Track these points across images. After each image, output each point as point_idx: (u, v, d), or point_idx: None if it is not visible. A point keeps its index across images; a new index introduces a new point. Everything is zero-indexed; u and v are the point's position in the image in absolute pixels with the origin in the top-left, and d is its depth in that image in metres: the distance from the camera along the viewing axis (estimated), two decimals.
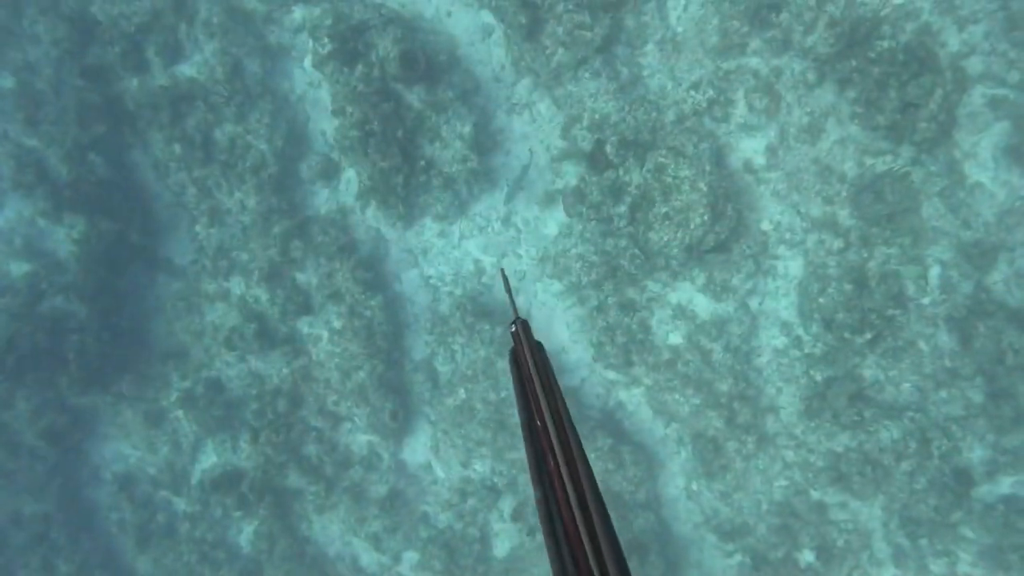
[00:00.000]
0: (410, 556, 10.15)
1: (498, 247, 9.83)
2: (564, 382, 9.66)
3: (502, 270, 2.36)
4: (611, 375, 9.43)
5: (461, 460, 9.76)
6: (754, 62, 8.22)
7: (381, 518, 9.98)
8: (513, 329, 1.47)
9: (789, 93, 8.13)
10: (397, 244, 10.04)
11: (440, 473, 10.00)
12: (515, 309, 1.62)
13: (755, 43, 8.10)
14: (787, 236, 8.43)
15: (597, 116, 8.50)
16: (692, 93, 8.33)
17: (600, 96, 8.49)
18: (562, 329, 9.66)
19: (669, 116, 8.40)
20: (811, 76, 7.97)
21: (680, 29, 8.59)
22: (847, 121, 7.98)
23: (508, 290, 1.70)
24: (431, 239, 9.97)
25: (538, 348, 1.43)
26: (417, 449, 10.10)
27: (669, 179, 7.98)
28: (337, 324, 9.65)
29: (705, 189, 7.82)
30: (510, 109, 9.53)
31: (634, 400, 9.53)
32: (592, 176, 8.56)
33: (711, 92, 8.25)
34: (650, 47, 8.70)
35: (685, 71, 8.46)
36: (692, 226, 7.91)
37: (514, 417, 9.25)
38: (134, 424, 10.47)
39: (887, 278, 8.03)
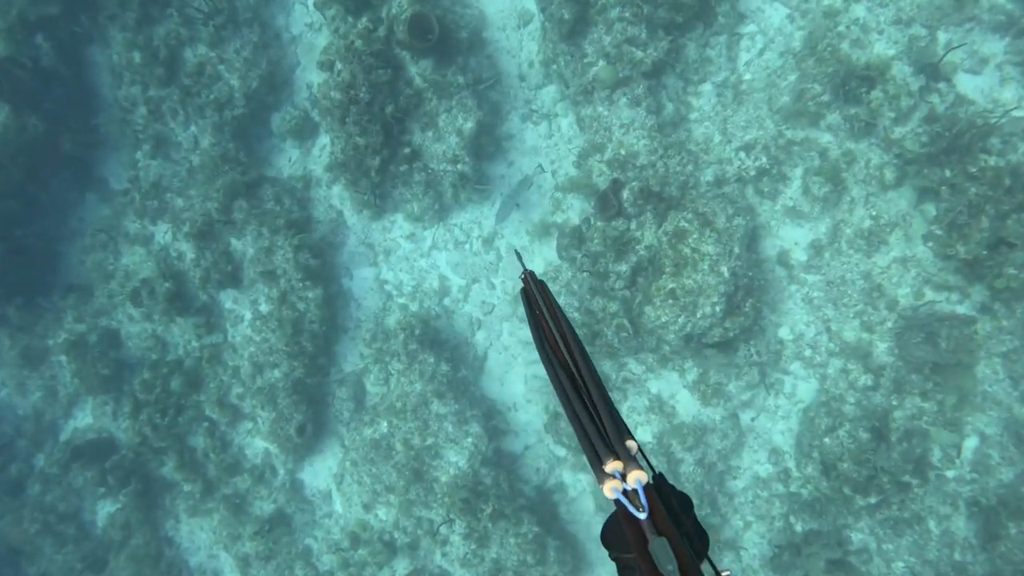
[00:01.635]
0: None
1: (471, 269, 8.32)
2: (505, 443, 8.16)
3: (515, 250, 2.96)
4: (560, 451, 7.92)
5: (364, 501, 8.25)
6: (825, 139, 6.71)
7: (258, 540, 8.46)
8: (523, 275, 1.80)
9: (857, 187, 6.62)
10: (358, 234, 8.52)
11: (338, 508, 8.49)
12: (522, 263, 2.06)
13: (833, 117, 6.59)
14: (807, 353, 6.92)
15: (623, 152, 6.98)
16: (742, 155, 6.81)
17: (633, 129, 6.98)
18: (518, 382, 8.16)
19: (707, 175, 6.89)
20: (888, 174, 6.46)
21: (748, 76, 7.08)
22: (917, 240, 6.47)
23: (518, 256, 2.16)
24: (398, 239, 8.45)
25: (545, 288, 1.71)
26: (319, 473, 8.59)
27: (687, 250, 6.47)
28: (264, 308, 8.13)
29: (726, 274, 6.31)
30: (527, 115, 8.01)
31: (578, 486, 8.03)
32: (598, 220, 7.05)
33: (764, 160, 6.74)
34: (707, 87, 7.19)
35: (740, 127, 6.95)
36: (699, 314, 6.40)
37: (432, 471, 7.75)
38: (9, 356, 8.94)
39: (913, 436, 6.53)
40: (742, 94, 7.02)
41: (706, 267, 6.33)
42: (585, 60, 7.08)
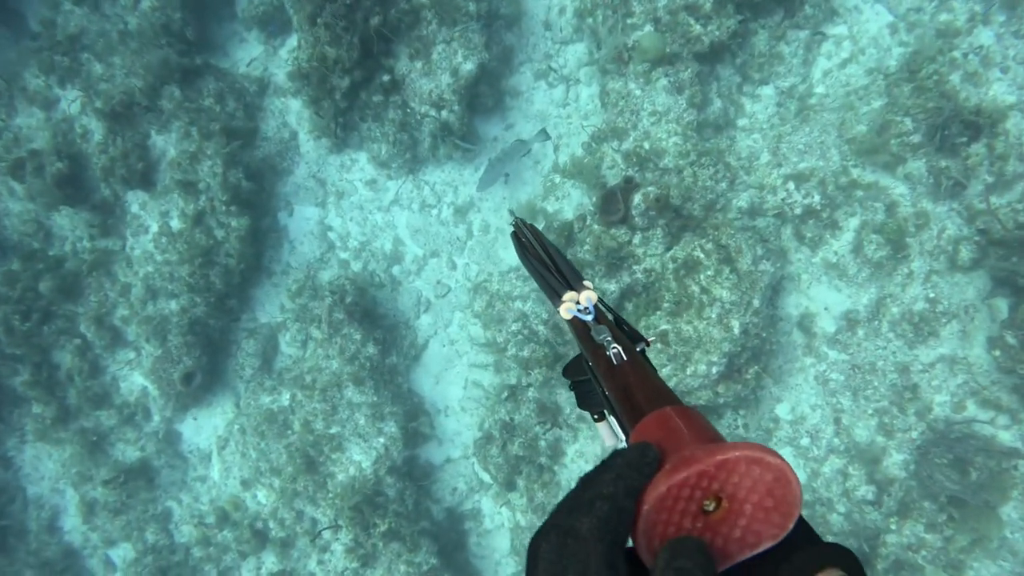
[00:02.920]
0: (122, 551, 7.31)
1: (434, 240, 6.87)
2: (424, 452, 6.81)
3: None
4: (486, 477, 6.60)
5: (244, 476, 6.89)
6: (899, 190, 5.32)
7: (110, 488, 7.09)
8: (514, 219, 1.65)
9: (920, 259, 5.27)
10: (310, 165, 7.01)
11: (214, 475, 7.11)
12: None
13: (915, 165, 5.20)
14: (803, 441, 5.63)
15: (647, 145, 5.54)
16: (791, 185, 5.41)
17: (666, 120, 5.52)
18: (456, 384, 6.79)
19: (742, 199, 5.48)
20: (964, 252, 5.11)
21: (821, 89, 5.64)
22: (977, 340, 5.16)
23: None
24: (356, 183, 6.96)
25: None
26: (202, 429, 7.19)
27: (696, 288, 5.09)
28: (175, 224, 6.63)
29: (736, 331, 4.95)
30: (542, 72, 6.51)
31: (498, 519, 6.74)
32: (596, 222, 5.63)
33: (816, 198, 5.34)
34: (768, 91, 5.74)
35: (797, 150, 5.53)
36: (690, 371, 5.04)
37: (328, 465, 6.40)
38: None
39: (902, 569, 5.31)
40: (809, 109, 5.58)
41: (714, 315, 4.96)
42: (630, 20, 5.58)
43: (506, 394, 6.26)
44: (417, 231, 6.90)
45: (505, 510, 6.59)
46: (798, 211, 5.38)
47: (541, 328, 6.01)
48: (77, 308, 6.97)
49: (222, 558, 6.94)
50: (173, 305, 6.61)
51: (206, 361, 6.83)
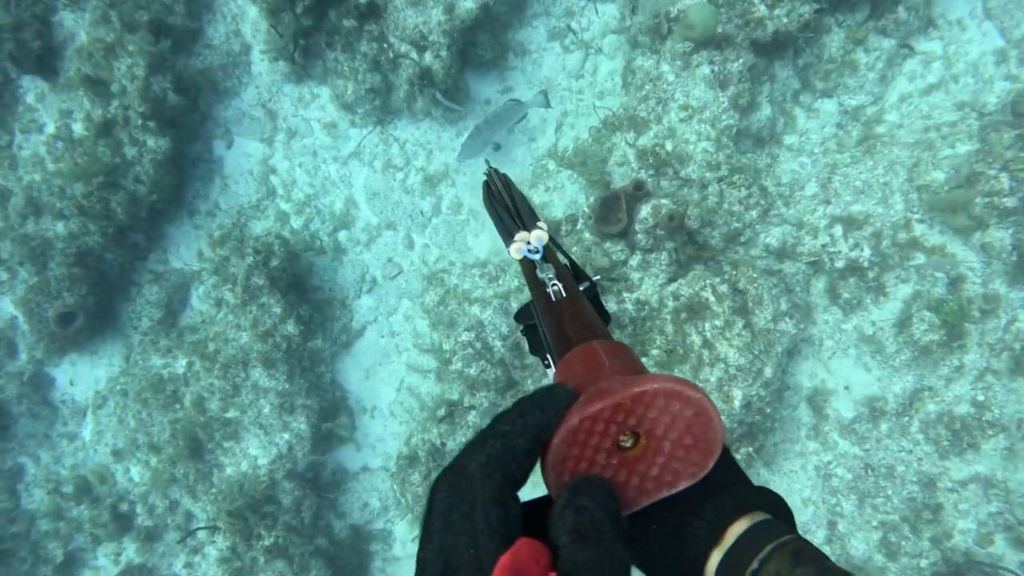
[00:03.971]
0: None
1: (394, 209, 5.69)
2: (337, 456, 5.70)
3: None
4: (408, 498, 5.49)
5: (118, 446, 5.74)
6: (970, 263, 4.22)
7: None
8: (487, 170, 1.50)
9: (977, 351, 4.20)
10: (260, 90, 5.75)
11: (84, 436, 5.94)
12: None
13: (999, 235, 4.09)
14: None
15: (669, 146, 4.38)
16: (836, 230, 4.28)
17: (699, 118, 4.35)
18: (390, 384, 5.67)
19: (772, 235, 4.36)
20: None
21: (894, 117, 4.50)
22: (1023, 463, 4.14)
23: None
24: (313, 123, 5.73)
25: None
26: (82, 379, 5.99)
27: (696, 339, 3.98)
28: (78, 129, 5.35)
29: (737, 403, 3.86)
30: (559, 32, 5.29)
31: (410, 549, 5.69)
32: (588, 230, 4.49)
33: (866, 252, 4.23)
34: (829, 106, 4.59)
35: (853, 187, 4.39)
36: None
37: (217, 455, 5.29)
38: None
39: None
40: (875, 139, 4.44)
41: (713, 379, 3.86)
42: None
43: (443, 411, 5.15)
44: (375, 195, 5.70)
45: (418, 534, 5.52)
46: (839, 264, 4.26)
47: (498, 344, 4.89)
48: None
49: (72, 537, 5.80)
50: (60, 228, 5.36)
51: (94, 302, 5.61)
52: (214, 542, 5.37)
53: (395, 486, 5.34)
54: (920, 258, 4.23)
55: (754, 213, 4.24)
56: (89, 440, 5.89)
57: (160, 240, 5.84)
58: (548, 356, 1.31)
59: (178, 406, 5.43)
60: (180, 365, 5.47)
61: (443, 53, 4.92)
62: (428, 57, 4.96)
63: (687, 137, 4.36)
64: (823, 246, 4.23)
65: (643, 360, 4.03)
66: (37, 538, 5.81)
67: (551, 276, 1.09)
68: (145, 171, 5.30)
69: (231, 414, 5.31)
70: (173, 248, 5.88)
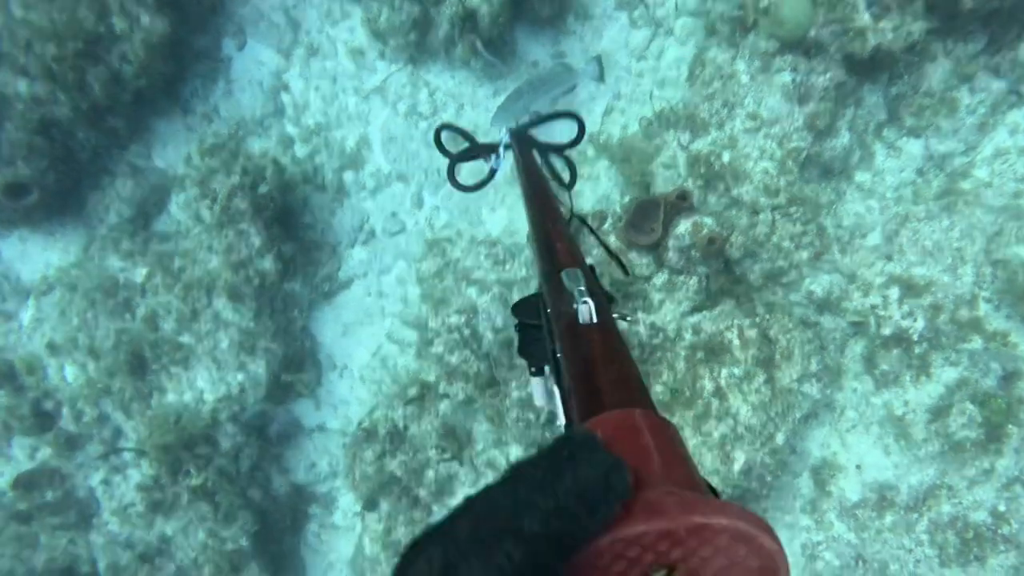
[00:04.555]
0: None
1: (409, 160, 5.14)
2: (291, 408, 5.26)
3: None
4: (356, 475, 5.06)
5: (55, 341, 5.26)
6: None
7: None
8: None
9: (1012, 458, 3.72)
10: (291, 4, 5.16)
11: (22, 319, 5.41)
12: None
13: None
14: None
15: (726, 158, 3.82)
16: (892, 292, 3.74)
17: (765, 132, 3.79)
18: (367, 346, 5.21)
19: (818, 283, 3.82)
20: None
21: (982, 173, 3.92)
22: None
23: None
24: (339, 44, 5.16)
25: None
26: (30, 257, 5.44)
27: (707, 384, 3.49)
28: None
29: (736, 468, 3.40)
30: (629, 2, 4.67)
31: (351, 521, 5.30)
32: (618, 232, 3.97)
33: (919, 324, 3.71)
34: (914, 147, 4.01)
35: (921, 246, 3.84)
36: None
37: (160, 379, 4.85)
38: None
39: None
40: (958, 195, 3.88)
41: (716, 434, 3.38)
42: None
43: (415, 391, 4.69)
44: (392, 140, 5.15)
45: (363, 509, 5.11)
46: (886, 330, 3.74)
47: (488, 336, 4.40)
48: None
49: None
50: (21, 86, 4.76)
51: (55, 179, 5.05)
52: (139, 466, 4.95)
53: (346, 458, 4.91)
54: (977, 342, 3.71)
55: (805, 254, 3.70)
56: (26, 325, 5.39)
57: (144, 133, 5.29)
58: (541, 367, 1.18)
59: (128, 316, 4.96)
60: (139, 274, 4.97)
61: (503, 13, 4.33)
62: (480, 3, 4.36)
63: (748, 151, 3.80)
64: (873, 307, 3.71)
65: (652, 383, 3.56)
66: None
67: (583, 289, 0.88)
68: (134, 51, 4.70)
69: (184, 339, 4.85)
70: (159, 145, 5.34)
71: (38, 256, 5.43)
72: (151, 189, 5.24)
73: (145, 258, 4.99)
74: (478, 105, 5.03)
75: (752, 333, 3.52)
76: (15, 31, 4.58)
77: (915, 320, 3.70)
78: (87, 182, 5.25)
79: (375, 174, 5.21)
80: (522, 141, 1.98)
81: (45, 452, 5.27)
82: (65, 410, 5.17)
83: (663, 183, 4.08)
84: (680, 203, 3.79)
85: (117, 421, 5.06)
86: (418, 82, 5.07)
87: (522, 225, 4.92)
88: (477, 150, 2.30)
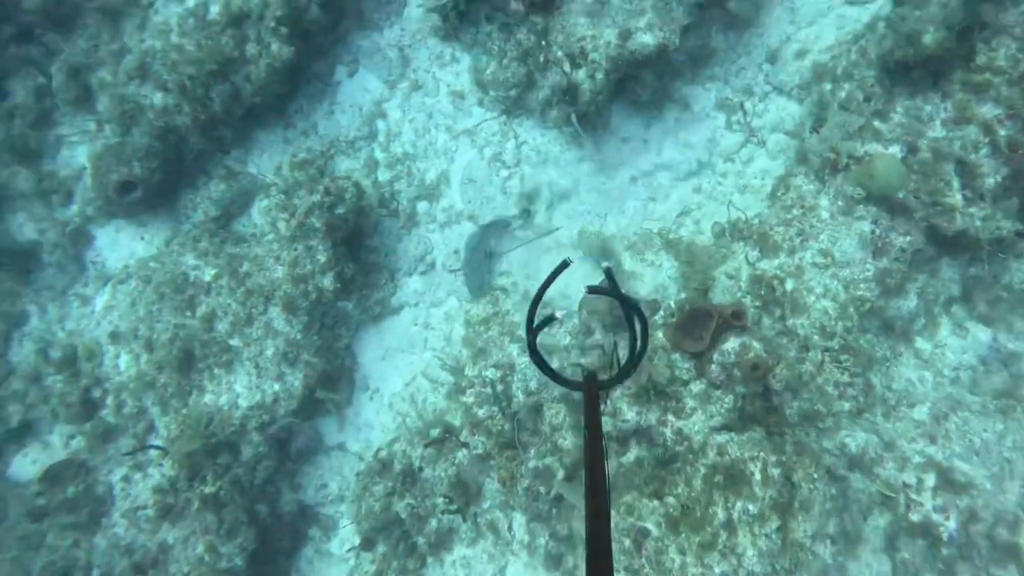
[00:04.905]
0: None
1: (483, 204, 5.27)
2: (316, 424, 5.43)
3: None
4: (362, 508, 5.10)
5: (119, 329, 5.58)
6: None
7: None
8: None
9: None
10: (405, 32, 5.40)
11: (96, 305, 5.71)
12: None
13: None
14: None
15: (789, 286, 3.79)
16: (928, 479, 3.61)
17: (833, 273, 3.74)
18: (402, 374, 5.34)
19: (855, 439, 3.73)
20: None
21: None
22: None
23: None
24: (442, 85, 5.35)
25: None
26: (120, 245, 5.82)
27: (719, 514, 3.47)
28: (213, 12, 5.07)
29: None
30: (729, 105, 4.68)
31: (346, 550, 5.38)
32: (665, 330, 3.98)
33: (951, 524, 3.56)
34: (981, 335, 3.87)
35: (968, 441, 3.68)
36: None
37: (201, 378, 5.10)
38: None
39: None
40: (1018, 402, 3.73)
41: (718, 570, 3.34)
42: (878, 124, 3.71)
43: (437, 432, 4.79)
44: (471, 181, 5.29)
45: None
46: (914, 517, 3.61)
47: (519, 397, 4.46)
48: (61, 46, 5.57)
49: (34, 407, 5.67)
50: (157, 99, 5.13)
51: (160, 179, 5.40)
52: (161, 465, 5.12)
53: (356, 486, 5.02)
54: (1013, 574, 3.53)
55: (847, 405, 3.64)
56: (98, 311, 5.71)
57: (246, 141, 5.59)
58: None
59: (189, 313, 5.21)
60: (208, 273, 5.23)
61: (598, 76, 4.41)
62: (581, 74, 4.46)
63: (813, 286, 3.77)
64: (906, 485, 3.60)
65: (651, 503, 3.56)
66: (4, 394, 5.71)
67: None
68: (257, 73, 5.02)
69: (234, 342, 5.07)
70: (256, 153, 5.62)
71: (127, 246, 5.79)
72: (240, 192, 5.52)
73: (217, 259, 5.24)
74: (561, 165, 5.10)
75: (776, 472, 3.48)
76: (168, 53, 4.96)
77: (947, 518, 3.56)
78: (185, 181, 5.59)
79: (448, 210, 5.35)
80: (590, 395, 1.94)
81: (79, 442, 5.50)
82: (109, 400, 5.38)
83: (721, 292, 4.06)
84: (733, 320, 3.77)
85: (153, 416, 5.28)
86: (508, 133, 5.19)
87: (577, 290, 4.95)
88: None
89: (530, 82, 4.85)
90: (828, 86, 4.04)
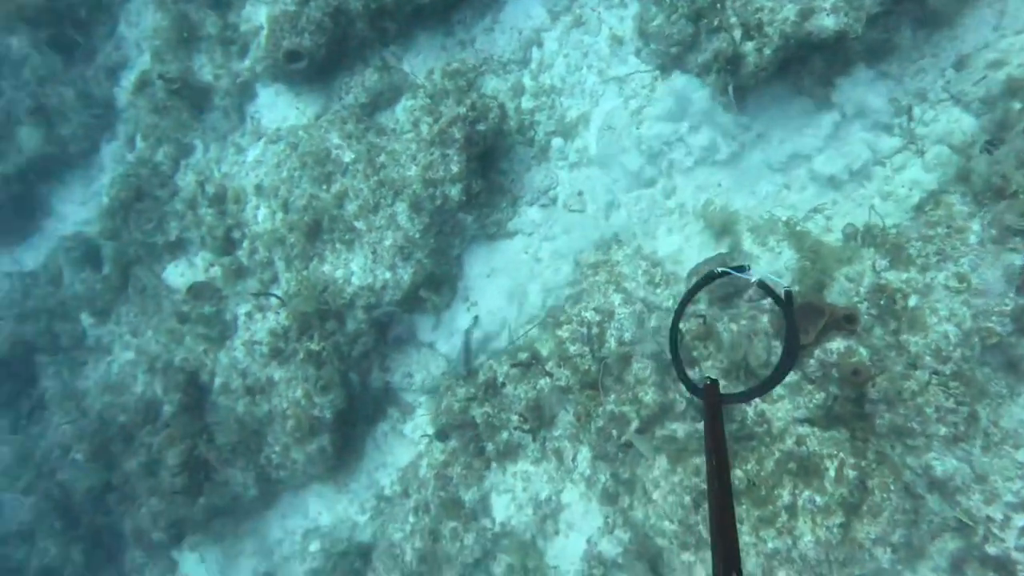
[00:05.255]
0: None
1: (615, 155, 5.32)
2: (417, 320, 5.76)
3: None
4: (438, 407, 5.50)
5: (264, 183, 6.00)
6: None
7: (167, 85, 6.40)
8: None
9: None
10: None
11: (249, 156, 6.26)
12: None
13: None
14: None
15: (911, 302, 3.74)
16: (1016, 517, 3.58)
17: (965, 299, 3.66)
18: (501, 295, 5.55)
19: (942, 463, 3.68)
20: None
21: None
22: None
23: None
24: (603, 27, 5.35)
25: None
26: (276, 108, 6.23)
27: (784, 497, 3.56)
28: None
29: None
30: (899, 108, 4.51)
31: (417, 438, 5.78)
32: (771, 314, 4.02)
33: None
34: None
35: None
36: None
37: (324, 250, 5.47)
38: None
39: None
40: None
41: (770, 545, 3.46)
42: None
43: (525, 356, 5.02)
44: (610, 128, 5.34)
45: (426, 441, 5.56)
46: (990, 549, 3.57)
47: (611, 344, 4.61)
48: None
49: (187, 230, 6.28)
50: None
51: (324, 56, 5.69)
52: (278, 314, 5.64)
53: (441, 383, 5.36)
54: None
55: (944, 430, 3.61)
56: (249, 162, 6.19)
57: (406, 39, 5.78)
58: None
59: (325, 187, 5.55)
60: (348, 156, 5.53)
61: (767, 52, 4.33)
62: (750, 46, 4.38)
63: (938, 307, 3.70)
64: (989, 518, 3.58)
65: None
66: (163, 213, 6.36)
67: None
68: None
69: (359, 224, 5.39)
70: (413, 52, 5.82)
71: (282, 110, 6.19)
72: (390, 86, 5.75)
73: (359, 144, 5.51)
74: (701, 133, 5.06)
75: (851, 473, 3.53)
76: None
77: None
78: (345, 63, 5.85)
79: (580, 151, 5.43)
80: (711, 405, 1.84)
81: (217, 271, 6.11)
82: (245, 244, 5.96)
83: (838, 293, 4.04)
84: (845, 324, 3.77)
85: (278, 270, 5.76)
86: (658, 89, 5.18)
87: (688, 258, 5.01)
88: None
89: (694, 43, 4.80)
90: (1018, 105, 3.85)
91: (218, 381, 5.81)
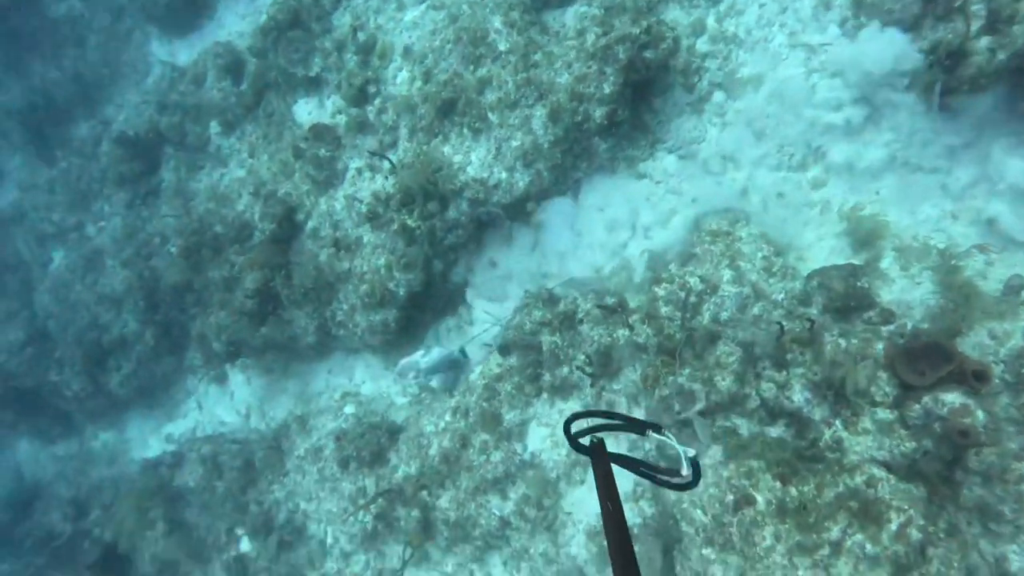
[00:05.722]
0: None
1: (778, 129, 4.89)
2: (518, 238, 5.63)
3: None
4: (510, 319, 5.42)
5: (412, 46, 5.89)
6: None
7: None
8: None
9: None
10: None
11: (407, 15, 6.12)
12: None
13: None
14: None
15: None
16: None
17: None
18: (601, 234, 5.32)
19: (1017, 556, 3.35)
20: None
21: None
22: None
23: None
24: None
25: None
26: None
27: (833, 531, 3.30)
28: None
29: None
30: None
31: (479, 381, 5.77)
32: (886, 347, 3.65)
33: None
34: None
35: None
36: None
37: (448, 132, 5.35)
38: None
39: None
40: None
41: (800, 574, 3.24)
42: None
43: (611, 302, 4.82)
44: (780, 98, 4.90)
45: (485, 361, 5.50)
46: None
47: (705, 317, 4.33)
48: None
49: (328, 70, 6.35)
50: None
51: None
52: (387, 179, 5.61)
53: (521, 300, 5.24)
54: None
55: None
56: (406, 21, 6.06)
57: None
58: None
59: (471, 68, 5.38)
60: (504, 44, 5.31)
61: (1000, 55, 3.81)
62: (983, 43, 3.84)
63: None
64: None
65: (772, 482, 3.45)
66: (318, 46, 6.38)
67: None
68: None
69: (492, 117, 5.22)
70: None
71: None
72: None
73: (519, 36, 5.27)
74: (883, 130, 4.55)
75: (915, 534, 3.22)
76: None
77: None
78: None
79: (740, 112, 5.02)
80: (598, 455, 1.92)
81: (343, 119, 6.12)
82: (377, 101, 5.91)
83: (972, 346, 3.60)
84: (973, 380, 3.37)
85: (400, 136, 5.69)
86: (849, 69, 4.66)
87: (815, 258, 4.62)
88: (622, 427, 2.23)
89: (916, 24, 4.23)
90: None
91: (311, 224, 5.91)
